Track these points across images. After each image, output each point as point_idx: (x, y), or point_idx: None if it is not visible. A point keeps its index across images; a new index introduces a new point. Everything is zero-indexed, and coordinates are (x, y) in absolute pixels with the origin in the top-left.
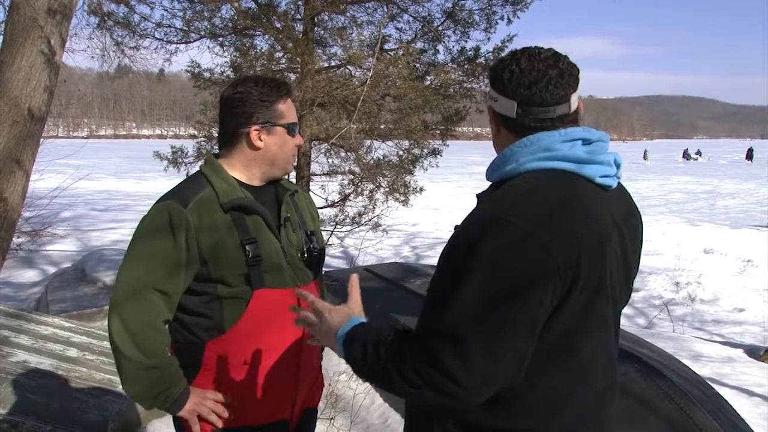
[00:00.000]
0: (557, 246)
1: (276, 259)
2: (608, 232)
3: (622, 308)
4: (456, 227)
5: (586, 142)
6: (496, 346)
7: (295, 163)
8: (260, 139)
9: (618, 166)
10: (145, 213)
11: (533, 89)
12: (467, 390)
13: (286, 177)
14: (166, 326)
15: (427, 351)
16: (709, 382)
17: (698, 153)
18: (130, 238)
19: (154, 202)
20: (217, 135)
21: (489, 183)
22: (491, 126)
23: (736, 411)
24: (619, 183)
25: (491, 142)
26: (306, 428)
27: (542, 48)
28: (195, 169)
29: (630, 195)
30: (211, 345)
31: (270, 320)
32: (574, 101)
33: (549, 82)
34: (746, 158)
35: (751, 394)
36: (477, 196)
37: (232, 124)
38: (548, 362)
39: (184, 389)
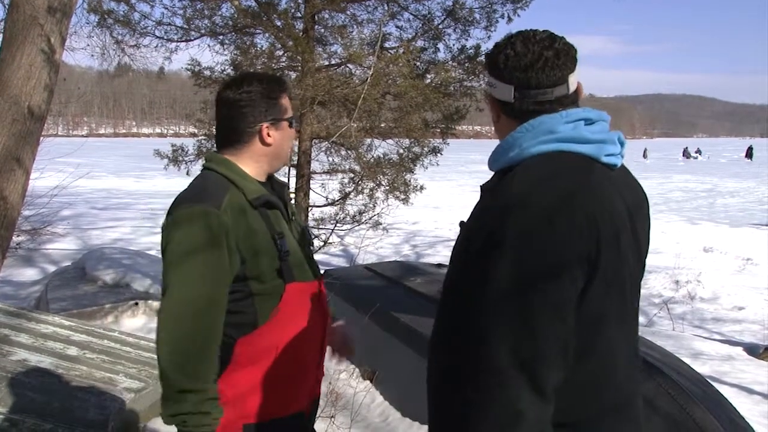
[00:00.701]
0: (579, 231)
1: (298, 253)
2: (623, 218)
3: (639, 294)
4: (462, 223)
5: (588, 122)
6: (537, 333)
7: (295, 161)
8: (270, 136)
9: (622, 144)
10: (173, 219)
11: (529, 72)
12: (536, 386)
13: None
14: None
15: (475, 358)
16: (708, 380)
17: (698, 151)
18: (130, 236)
19: (154, 200)
20: (215, 134)
21: (491, 174)
22: (492, 114)
23: (735, 409)
24: (624, 166)
25: (491, 140)
26: (313, 417)
27: (537, 30)
28: (195, 167)
29: (637, 181)
30: (243, 341)
31: (299, 313)
32: (572, 82)
33: (545, 64)
34: (746, 157)
35: (750, 392)
36: (481, 187)
37: (243, 123)
38: (574, 353)
39: (213, 426)
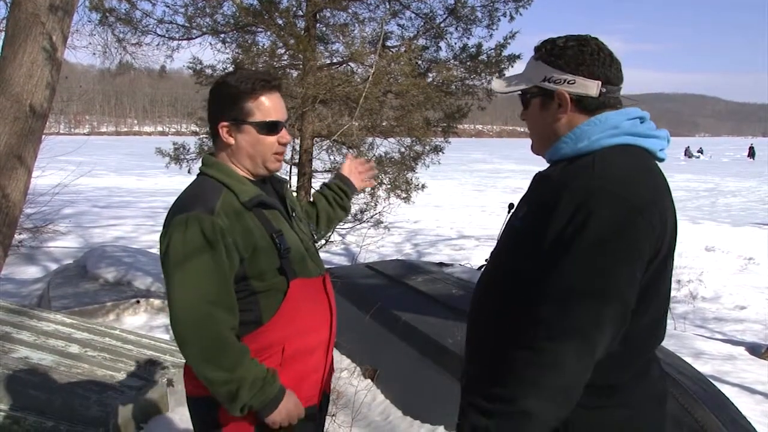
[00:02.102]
0: (655, 225)
1: (299, 250)
2: (672, 206)
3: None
4: (512, 205)
5: (642, 120)
6: (608, 308)
7: (297, 160)
8: (231, 136)
9: (668, 141)
10: (170, 226)
11: (612, 68)
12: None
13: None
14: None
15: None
16: (710, 380)
17: (700, 151)
18: (131, 234)
19: (155, 199)
20: None
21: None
22: (550, 111)
23: (737, 408)
24: None
25: (493, 139)
26: (324, 412)
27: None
28: (197, 165)
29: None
30: (249, 339)
31: (304, 309)
32: None
33: (617, 64)
34: (748, 156)
35: (752, 391)
36: (541, 173)
37: (209, 119)
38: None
39: (277, 393)
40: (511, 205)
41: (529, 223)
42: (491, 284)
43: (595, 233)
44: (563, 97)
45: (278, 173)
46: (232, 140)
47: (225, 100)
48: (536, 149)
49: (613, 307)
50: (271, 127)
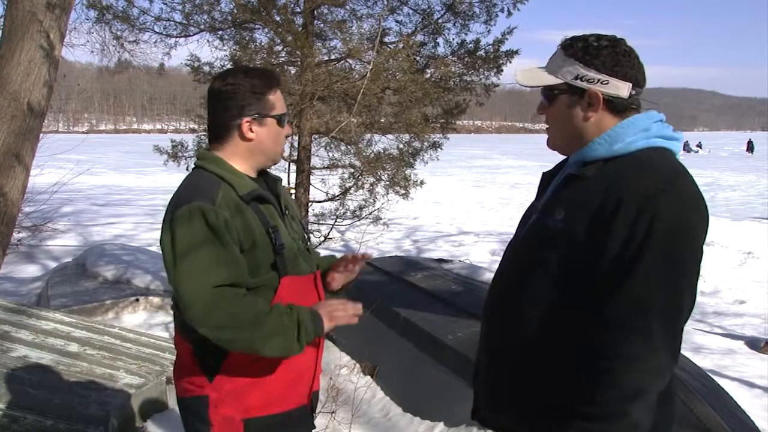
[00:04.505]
0: (707, 217)
1: (292, 247)
2: None
3: None
4: (533, 206)
5: (662, 121)
6: (683, 301)
7: (295, 156)
8: (252, 131)
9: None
10: (172, 220)
11: (641, 71)
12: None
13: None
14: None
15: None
16: (710, 374)
17: (699, 145)
18: (131, 232)
19: (155, 196)
20: (207, 128)
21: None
22: (578, 109)
23: (737, 402)
24: None
25: (492, 135)
26: (313, 410)
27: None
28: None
29: None
30: None
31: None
32: None
33: (643, 67)
34: (747, 150)
35: (752, 385)
36: (573, 173)
37: (224, 116)
38: None
39: (311, 319)
40: (534, 205)
41: (579, 225)
42: (528, 287)
43: (665, 235)
44: (596, 97)
45: (272, 171)
46: (253, 135)
47: (248, 96)
48: (556, 145)
49: (688, 303)
50: (284, 120)
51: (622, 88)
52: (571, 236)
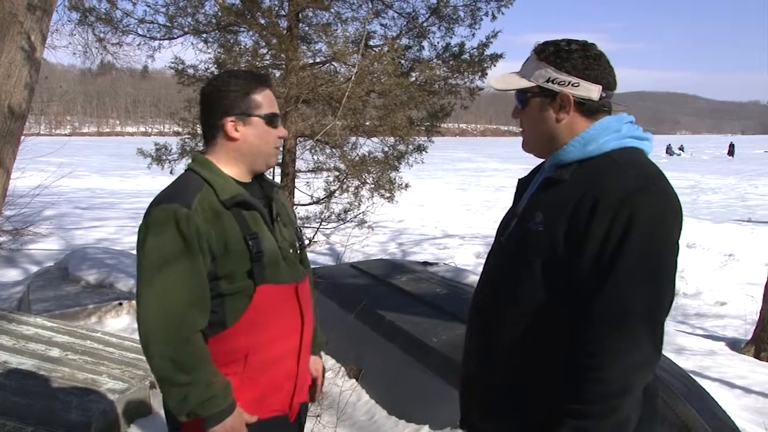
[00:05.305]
0: (682, 213)
1: (274, 255)
2: None
3: None
4: (513, 210)
5: (632, 122)
6: (664, 299)
7: (280, 158)
8: (236, 131)
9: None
10: (147, 219)
11: (611, 74)
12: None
13: (270, 172)
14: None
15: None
16: (692, 376)
17: (681, 148)
18: (114, 236)
19: (138, 200)
20: (201, 132)
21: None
22: (551, 111)
23: (717, 403)
24: None
25: (477, 138)
26: (300, 422)
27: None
28: (179, 165)
29: None
30: (214, 340)
31: (271, 315)
32: None
33: (614, 71)
34: (728, 153)
35: (732, 386)
36: (551, 177)
37: (210, 117)
38: None
39: (227, 407)
40: (512, 210)
41: (559, 227)
42: (514, 291)
43: (643, 231)
44: (567, 99)
45: (269, 176)
46: (238, 135)
47: (232, 96)
48: (530, 148)
49: (669, 297)
50: (274, 120)
51: (593, 91)
52: (552, 239)
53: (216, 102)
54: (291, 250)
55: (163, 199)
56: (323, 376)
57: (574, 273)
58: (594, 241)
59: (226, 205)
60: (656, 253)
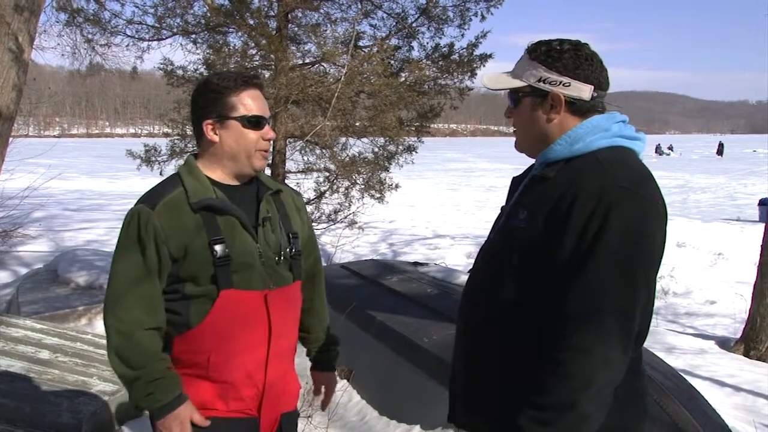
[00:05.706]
0: (665, 214)
1: (249, 260)
2: None
3: None
4: (505, 208)
5: (624, 122)
6: (638, 299)
7: (270, 161)
8: (215, 133)
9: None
10: (125, 217)
11: (603, 74)
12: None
13: (268, 174)
14: (156, 331)
15: (602, 332)
16: (682, 374)
17: (670, 148)
18: (103, 238)
19: (128, 201)
20: (191, 133)
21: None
22: (542, 111)
23: (708, 401)
24: None
25: (467, 138)
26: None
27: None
28: (169, 167)
29: None
30: (178, 340)
31: (236, 321)
32: None
33: (606, 71)
34: (717, 153)
35: (722, 384)
36: (536, 175)
37: (193, 119)
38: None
39: (170, 402)
40: (501, 210)
41: (539, 224)
42: (496, 289)
43: (619, 230)
44: (558, 99)
45: (268, 177)
46: (216, 137)
47: (209, 98)
48: (522, 147)
49: (643, 298)
50: (254, 122)
51: (584, 91)
52: (533, 236)
53: (196, 104)
54: (277, 257)
55: (139, 198)
56: (332, 391)
57: (551, 270)
58: (570, 238)
59: (193, 208)
60: (631, 254)
